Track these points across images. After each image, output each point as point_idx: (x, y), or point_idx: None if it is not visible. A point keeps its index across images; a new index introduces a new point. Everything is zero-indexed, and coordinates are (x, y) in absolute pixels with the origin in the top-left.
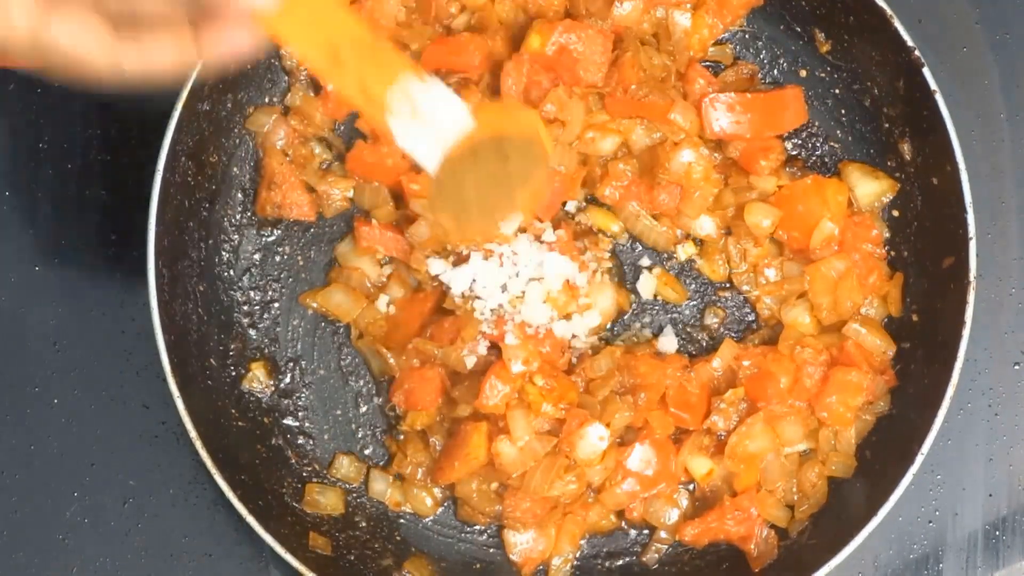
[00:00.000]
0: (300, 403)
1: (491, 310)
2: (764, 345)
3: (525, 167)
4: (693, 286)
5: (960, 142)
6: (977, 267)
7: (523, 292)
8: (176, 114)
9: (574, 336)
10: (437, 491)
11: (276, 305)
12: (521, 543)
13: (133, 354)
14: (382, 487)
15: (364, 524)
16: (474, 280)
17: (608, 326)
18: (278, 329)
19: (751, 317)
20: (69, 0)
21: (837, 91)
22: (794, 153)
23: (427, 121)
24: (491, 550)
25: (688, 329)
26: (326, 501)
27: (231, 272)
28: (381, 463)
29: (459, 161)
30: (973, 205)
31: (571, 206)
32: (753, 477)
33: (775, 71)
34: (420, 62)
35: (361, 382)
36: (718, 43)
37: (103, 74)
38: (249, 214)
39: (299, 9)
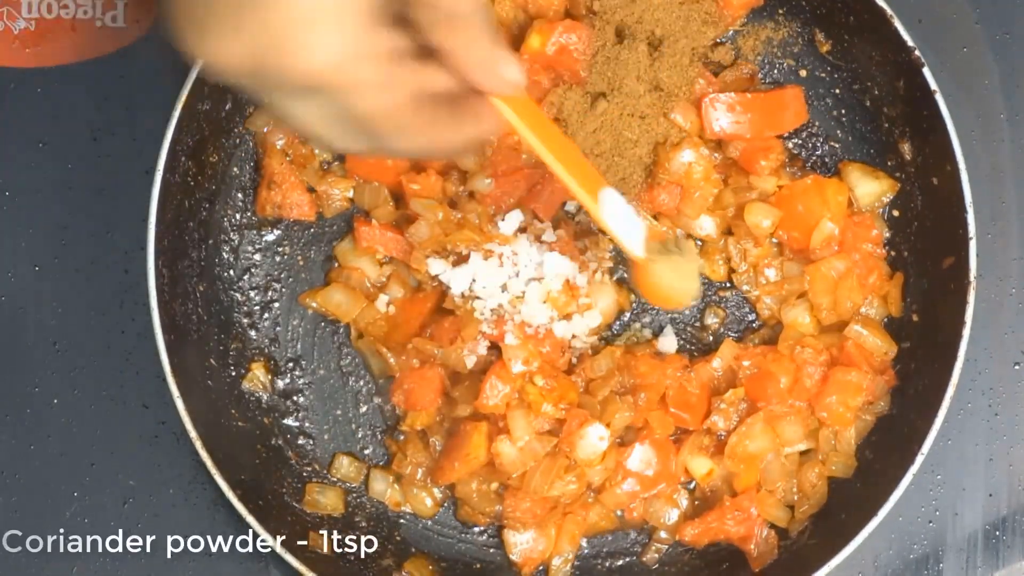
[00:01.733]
0: (300, 403)
1: (491, 310)
2: (764, 345)
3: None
4: None
5: (960, 142)
6: (977, 267)
7: (523, 292)
8: (176, 114)
9: (574, 336)
10: (437, 491)
11: (276, 305)
12: (521, 543)
13: (133, 354)
14: (382, 487)
15: (364, 524)
16: (474, 280)
17: (608, 326)
18: (278, 329)
19: (751, 317)
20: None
21: (837, 91)
22: (794, 153)
23: (625, 219)
24: (491, 550)
25: (688, 329)
26: (326, 501)
27: (231, 272)
28: (381, 463)
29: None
30: (973, 205)
31: (571, 206)
32: (753, 477)
33: (775, 71)
34: None
35: (361, 382)
36: (718, 43)
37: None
38: (249, 214)
39: (533, 107)
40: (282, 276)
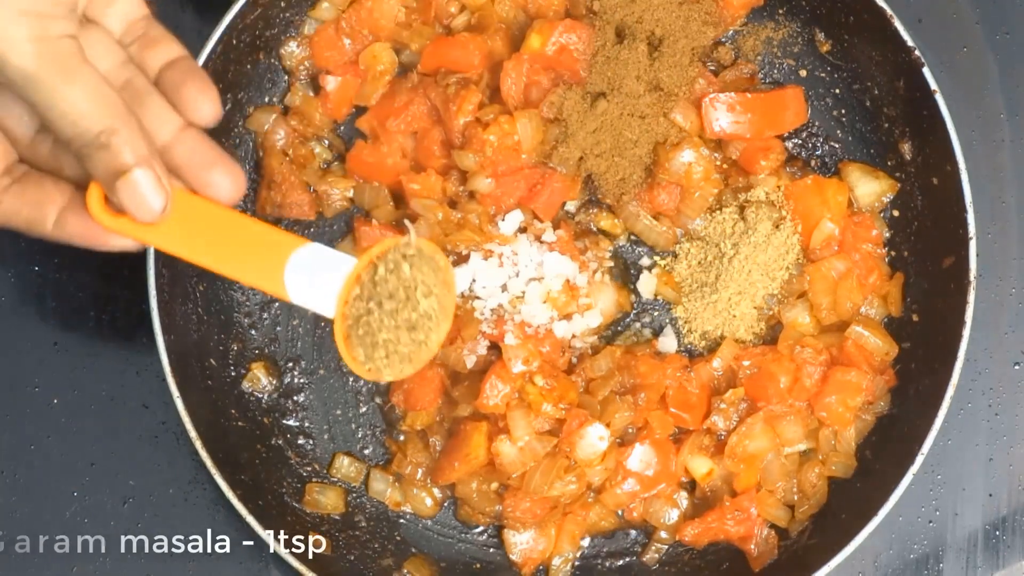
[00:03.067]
0: (300, 403)
1: (491, 310)
2: (764, 345)
3: (432, 294)
4: None
5: (960, 142)
6: (977, 267)
7: (523, 292)
8: None
9: (574, 336)
10: (437, 491)
11: (276, 305)
12: (521, 543)
13: (133, 354)
14: (382, 487)
15: (364, 524)
16: (474, 280)
17: (608, 326)
18: (278, 329)
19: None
20: None
21: (837, 91)
22: (794, 153)
23: (321, 278)
24: (491, 550)
25: None
26: (326, 501)
27: None
28: (381, 463)
29: (365, 299)
30: (973, 205)
31: (571, 206)
32: (753, 477)
33: (775, 71)
34: (420, 62)
35: (361, 382)
36: (718, 43)
37: None
38: (249, 214)
39: (177, 221)
40: None
